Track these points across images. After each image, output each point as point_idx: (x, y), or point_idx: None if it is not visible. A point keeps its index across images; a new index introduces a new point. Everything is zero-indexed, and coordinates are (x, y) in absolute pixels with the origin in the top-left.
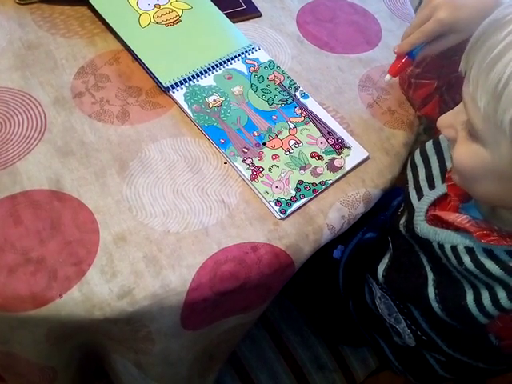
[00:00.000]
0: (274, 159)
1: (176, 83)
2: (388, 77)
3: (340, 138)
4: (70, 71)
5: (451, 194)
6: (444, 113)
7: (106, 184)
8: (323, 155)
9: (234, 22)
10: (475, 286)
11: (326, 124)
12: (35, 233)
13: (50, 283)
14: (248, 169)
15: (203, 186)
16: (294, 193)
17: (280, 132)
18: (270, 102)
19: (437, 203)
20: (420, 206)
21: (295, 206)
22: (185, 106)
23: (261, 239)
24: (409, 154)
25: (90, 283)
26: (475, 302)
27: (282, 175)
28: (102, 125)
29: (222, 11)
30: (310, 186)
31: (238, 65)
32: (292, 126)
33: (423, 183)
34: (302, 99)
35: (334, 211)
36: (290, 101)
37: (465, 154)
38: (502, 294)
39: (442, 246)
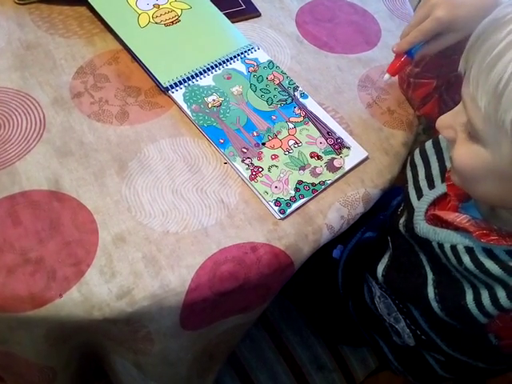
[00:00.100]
0: (273, 159)
1: (175, 83)
2: (387, 76)
3: (339, 138)
4: (68, 71)
5: (451, 194)
6: (443, 112)
7: (105, 184)
8: (322, 155)
9: (233, 22)
10: (475, 286)
11: (325, 124)
12: (34, 233)
13: (49, 283)
14: (247, 169)
15: (202, 186)
16: (293, 193)
17: (279, 132)
18: (270, 102)
19: (436, 203)
20: (420, 206)
21: (294, 206)
22: (184, 106)
23: (260, 239)
24: (408, 153)
25: (89, 283)
26: (475, 301)
27: (282, 175)
28: (101, 125)
29: (221, 11)
30: (310, 186)
31: (238, 65)
32: (291, 126)
33: (423, 183)
34: (301, 99)
35: (334, 211)
36: (289, 101)
37: (465, 155)
38: (501, 294)
39: (441, 246)
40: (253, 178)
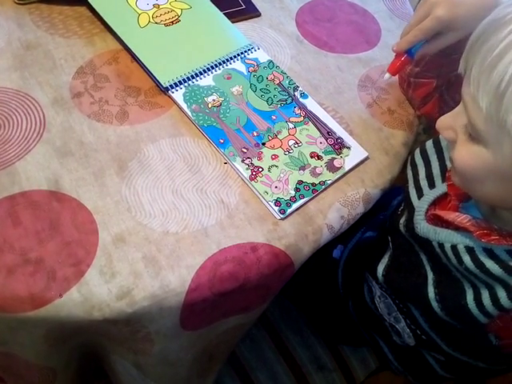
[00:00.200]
0: (273, 159)
1: (175, 83)
2: (387, 75)
3: (339, 137)
4: (68, 71)
5: (451, 194)
6: (444, 112)
7: (104, 184)
8: (322, 155)
9: (233, 22)
10: (475, 286)
11: (325, 124)
12: (34, 233)
13: (48, 284)
14: (247, 169)
15: (202, 186)
16: (293, 193)
17: (279, 132)
18: (270, 102)
19: (437, 202)
20: (420, 206)
21: (294, 206)
22: (184, 105)
23: (260, 239)
24: (408, 153)
25: (89, 284)
26: (475, 301)
27: (282, 175)
28: (101, 125)
29: (221, 11)
30: (310, 186)
31: (238, 65)
32: (291, 125)
33: (423, 182)
34: (301, 99)
35: (334, 211)
36: (289, 101)
37: (466, 156)
38: (502, 294)
39: (441, 246)
40: (253, 178)
